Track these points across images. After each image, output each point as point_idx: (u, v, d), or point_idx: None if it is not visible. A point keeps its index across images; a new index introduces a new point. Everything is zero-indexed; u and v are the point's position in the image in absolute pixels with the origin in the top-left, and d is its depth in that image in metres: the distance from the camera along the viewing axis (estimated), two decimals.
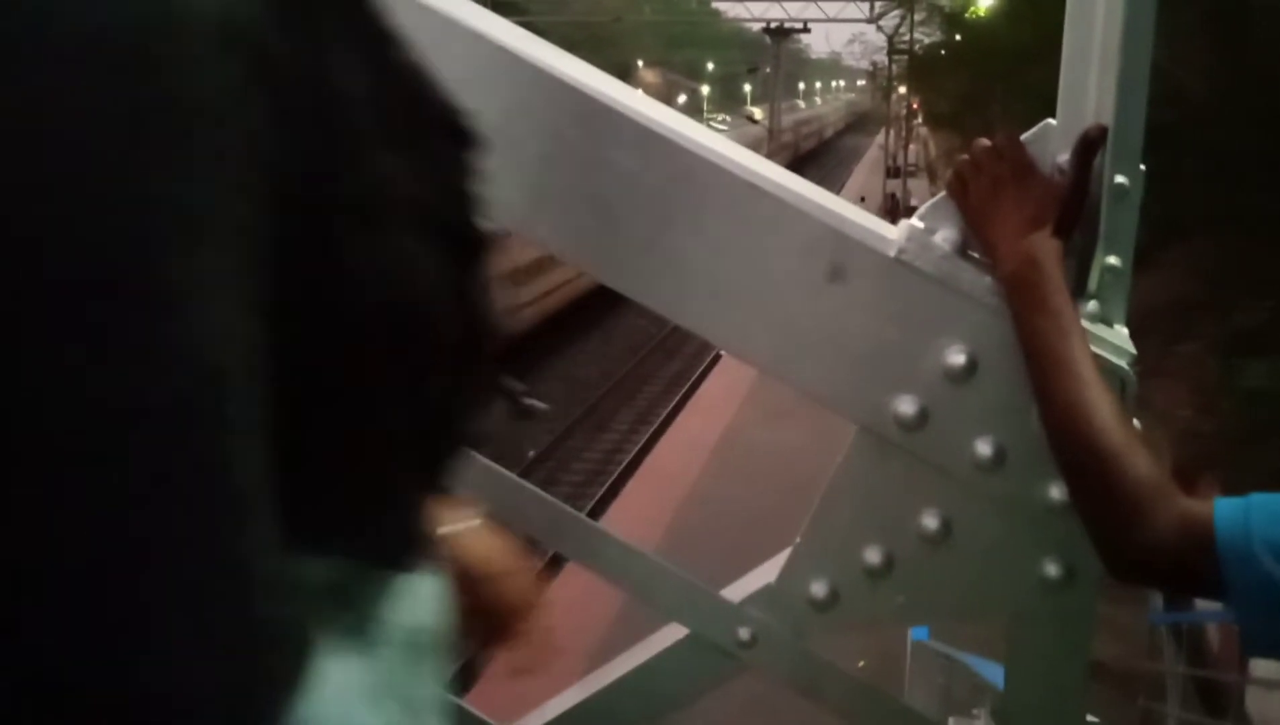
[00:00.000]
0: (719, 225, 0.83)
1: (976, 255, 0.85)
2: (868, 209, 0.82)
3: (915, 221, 0.87)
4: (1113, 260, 0.86)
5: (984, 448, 0.83)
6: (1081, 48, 0.81)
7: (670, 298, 0.85)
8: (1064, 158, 0.84)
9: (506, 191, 0.81)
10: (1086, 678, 0.94)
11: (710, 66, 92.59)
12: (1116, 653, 5.13)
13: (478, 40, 0.79)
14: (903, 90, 42.70)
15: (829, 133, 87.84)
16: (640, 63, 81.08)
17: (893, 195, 40.19)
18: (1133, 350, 0.85)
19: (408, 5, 0.80)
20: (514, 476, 1.01)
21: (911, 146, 47.41)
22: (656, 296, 0.85)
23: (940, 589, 0.88)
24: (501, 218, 0.84)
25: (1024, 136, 0.90)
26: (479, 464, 0.97)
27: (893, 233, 0.86)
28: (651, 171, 0.82)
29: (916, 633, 4.29)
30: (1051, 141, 0.83)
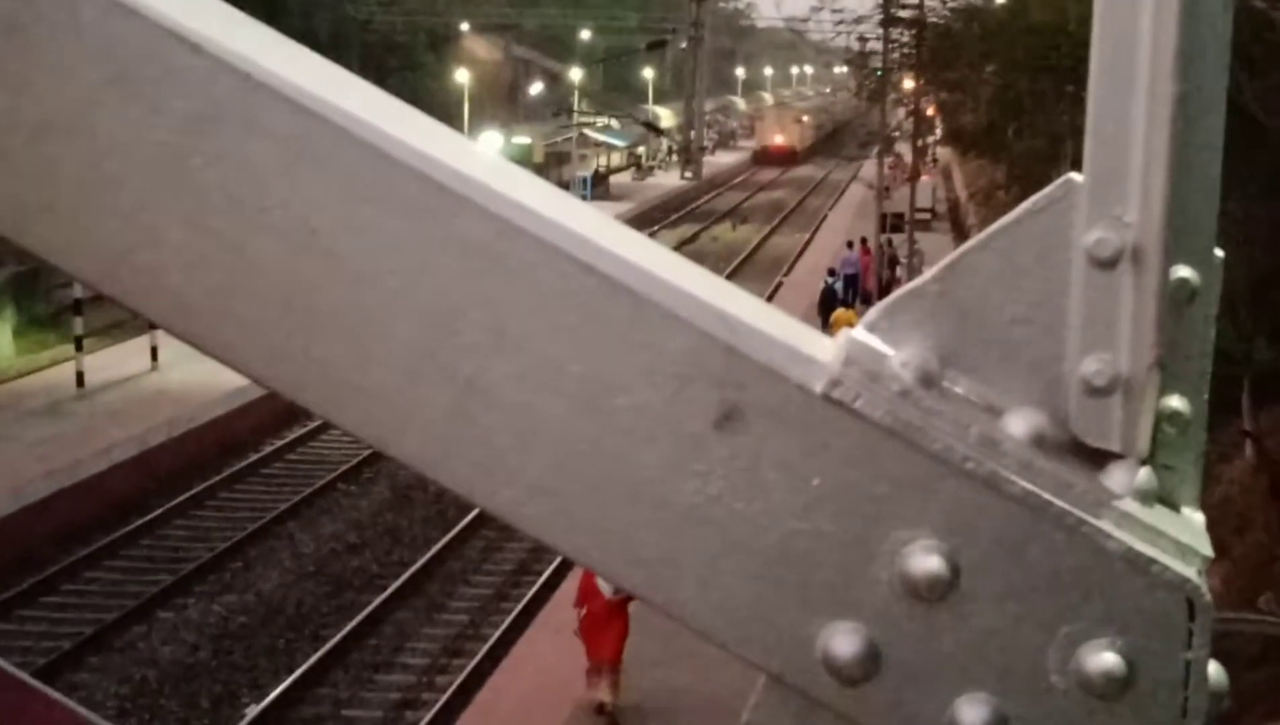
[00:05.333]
0: (537, 333, 0.82)
1: (960, 390, 0.85)
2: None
3: (861, 333, 0.85)
4: (1177, 404, 0.87)
5: (972, 714, 0.82)
6: (1121, 73, 0.84)
7: (453, 464, 0.86)
8: (1095, 237, 0.84)
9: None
10: None
11: (585, 36, 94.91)
12: None
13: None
14: (907, 85, 44.34)
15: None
16: (465, 27, 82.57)
17: (891, 258, 41.53)
18: (1208, 551, 0.84)
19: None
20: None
21: (924, 178, 49.21)
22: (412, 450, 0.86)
23: None
24: None
25: (1033, 201, 0.87)
26: None
27: (825, 351, 0.84)
28: (422, 232, 0.82)
29: None
30: (1077, 210, 0.85)
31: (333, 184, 0.80)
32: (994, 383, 0.84)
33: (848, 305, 33.55)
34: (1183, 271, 0.85)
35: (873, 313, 0.86)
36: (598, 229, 0.83)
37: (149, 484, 25.58)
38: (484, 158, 0.86)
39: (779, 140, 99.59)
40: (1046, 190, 0.87)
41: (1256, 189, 16.13)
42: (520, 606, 21.03)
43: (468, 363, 0.81)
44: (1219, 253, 0.88)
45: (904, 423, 0.80)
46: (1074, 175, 0.86)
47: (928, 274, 0.88)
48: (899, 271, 38.02)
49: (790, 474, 0.81)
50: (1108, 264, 0.83)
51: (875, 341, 0.84)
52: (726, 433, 0.81)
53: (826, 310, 33.44)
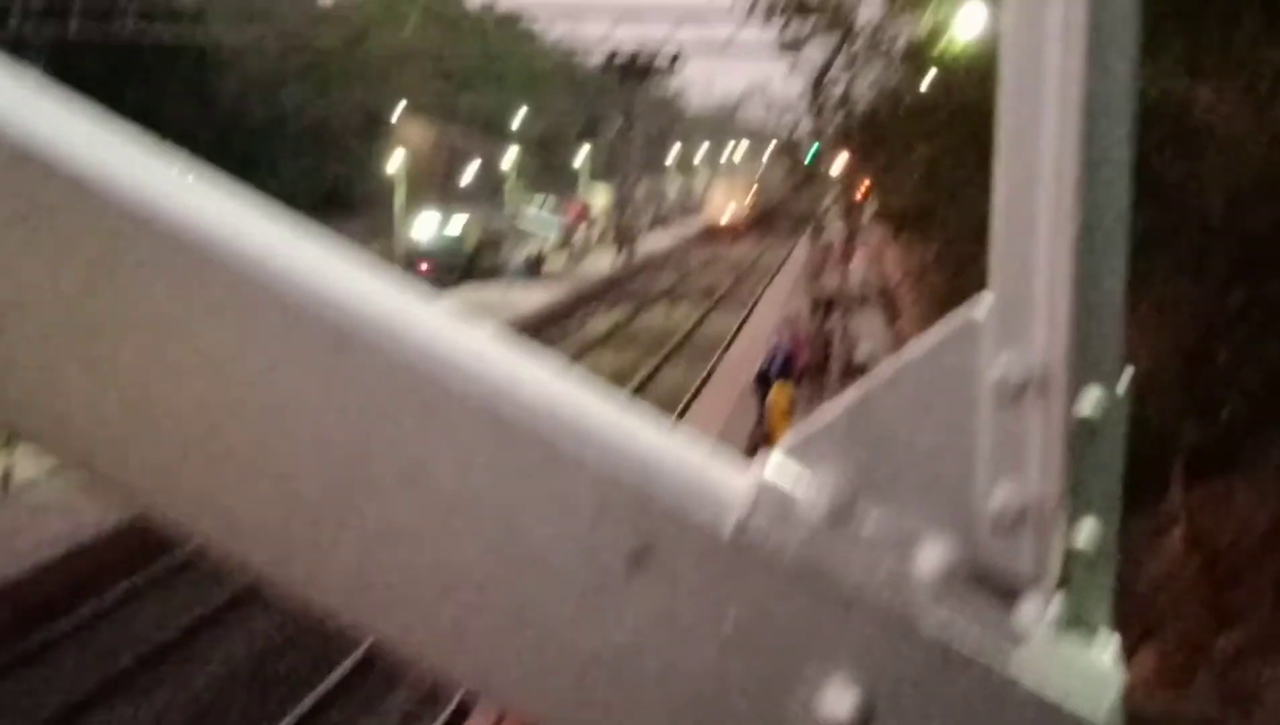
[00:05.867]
0: (446, 475, 0.82)
1: (873, 521, 0.84)
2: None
3: (772, 470, 0.84)
4: (1088, 529, 0.87)
5: None
6: (1024, 199, 0.84)
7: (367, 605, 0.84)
8: (1001, 367, 0.84)
9: None
10: None
11: (519, 119, 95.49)
12: None
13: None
14: (839, 164, 45.08)
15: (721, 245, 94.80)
16: (401, 106, 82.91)
17: (826, 338, 42.04)
18: (1121, 679, 0.83)
19: None
20: None
21: (857, 256, 49.71)
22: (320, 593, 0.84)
23: None
24: None
25: (939, 330, 0.87)
26: None
27: (736, 489, 0.83)
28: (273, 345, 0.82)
29: None
30: (983, 338, 0.85)
31: (235, 327, 0.79)
32: (907, 514, 0.84)
33: (785, 378, 34.05)
34: (1092, 394, 0.84)
35: (787, 440, 0.86)
36: (503, 364, 0.82)
37: (78, 583, 24.80)
38: (392, 293, 0.85)
39: (725, 219, 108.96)
40: (952, 319, 0.87)
41: (1180, 270, 16.37)
42: None
43: (376, 504, 0.80)
44: (1130, 371, 0.88)
45: (815, 562, 0.80)
46: (982, 297, 0.85)
47: (840, 403, 0.88)
48: (831, 350, 38.47)
49: (702, 616, 0.80)
50: (1014, 393, 0.83)
51: (786, 478, 0.83)
52: (638, 574, 0.80)
53: (763, 388, 33.95)
